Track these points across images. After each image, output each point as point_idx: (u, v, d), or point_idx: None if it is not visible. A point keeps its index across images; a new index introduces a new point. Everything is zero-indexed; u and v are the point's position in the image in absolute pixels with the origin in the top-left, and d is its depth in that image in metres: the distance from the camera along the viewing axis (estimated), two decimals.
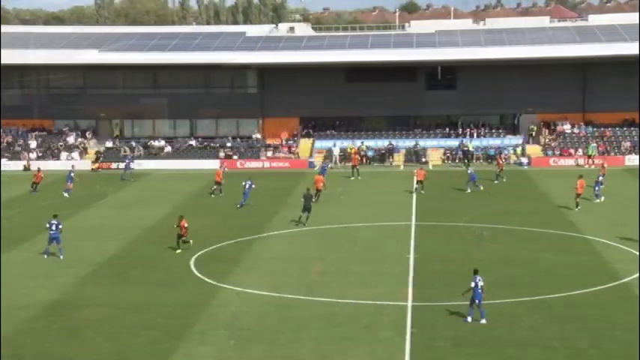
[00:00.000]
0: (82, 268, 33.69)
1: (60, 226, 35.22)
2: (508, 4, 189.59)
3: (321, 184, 48.07)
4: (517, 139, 67.16)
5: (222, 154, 67.06)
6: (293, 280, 31.46)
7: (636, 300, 27.97)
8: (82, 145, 69.49)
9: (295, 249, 36.67)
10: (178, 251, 35.71)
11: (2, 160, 65.35)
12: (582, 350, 23.52)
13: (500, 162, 56.42)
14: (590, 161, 61.98)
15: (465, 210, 45.00)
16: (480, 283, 26.04)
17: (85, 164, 65.34)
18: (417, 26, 75.46)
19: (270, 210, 46.09)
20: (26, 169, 64.13)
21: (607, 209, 44.44)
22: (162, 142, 69.08)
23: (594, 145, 63.73)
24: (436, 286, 30.22)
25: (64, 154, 67.64)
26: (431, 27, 73.89)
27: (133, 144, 68.62)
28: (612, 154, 63.98)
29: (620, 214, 42.78)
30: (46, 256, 35.15)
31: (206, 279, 31.84)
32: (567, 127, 67.45)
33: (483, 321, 25.72)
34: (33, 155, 67.26)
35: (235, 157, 66.90)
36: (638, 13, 71.33)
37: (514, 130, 68.72)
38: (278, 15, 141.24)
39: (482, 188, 50.61)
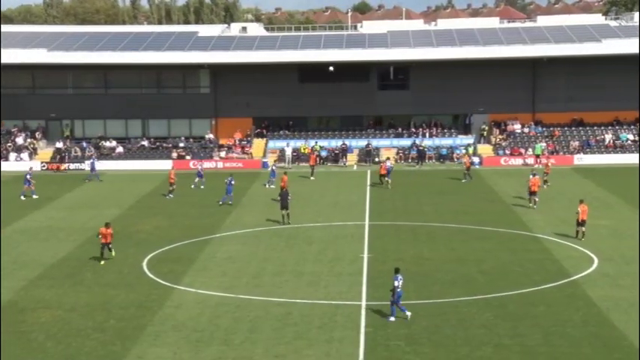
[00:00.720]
0: (32, 270, 33.16)
1: None
2: (459, 5, 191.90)
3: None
4: (469, 139, 67.90)
5: (174, 155, 66.58)
6: (247, 281, 31.36)
7: (585, 297, 28.46)
8: (32, 145, 68.37)
9: (249, 249, 36.55)
10: (102, 262, 33.96)
11: None
12: (533, 347, 23.85)
13: (467, 160, 57.10)
14: (539, 160, 62.91)
15: (418, 209, 45.33)
16: (401, 282, 26.39)
17: (35, 165, 64.28)
18: (369, 26, 75.83)
19: (224, 210, 45.90)
20: None
21: (557, 208, 45.14)
22: (114, 143, 68.32)
23: (541, 144, 64.69)
24: (390, 285, 30.31)
25: (12, 155, 66.49)
26: (383, 27, 74.32)
27: (84, 144, 67.75)
28: (561, 153, 65.02)
29: (569, 213, 43.44)
30: None
31: (159, 280, 31.57)
32: (517, 127, 68.39)
33: (408, 313, 26.13)
34: None
35: (188, 157, 66.47)
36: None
37: (466, 130, 69.46)
38: (230, 15, 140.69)
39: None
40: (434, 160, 65.77)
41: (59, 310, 27.94)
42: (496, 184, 53.98)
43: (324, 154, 65.75)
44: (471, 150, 65.76)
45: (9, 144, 67.79)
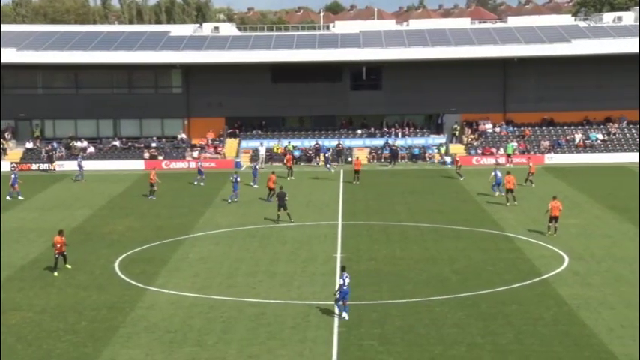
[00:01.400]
0: (2, 271, 32.77)
1: None
2: (430, 6, 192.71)
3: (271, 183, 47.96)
4: (441, 139, 68.25)
5: (146, 155, 66.25)
6: (220, 281, 31.28)
7: (555, 296, 28.73)
8: (1, 146, 67.62)
9: (223, 250, 36.46)
10: (56, 273, 32.27)
11: None
12: (505, 346, 24.03)
13: (457, 160, 57.63)
14: (510, 160, 63.38)
15: (390, 209, 45.49)
16: (347, 280, 26.47)
17: (5, 165, 63.75)
18: (342, 26, 75.95)
19: (196, 211, 45.74)
20: None
21: (528, 207, 45.50)
22: (85, 143, 67.80)
23: (513, 144, 65.19)
24: (363, 284, 30.44)
25: None
26: (355, 27, 74.48)
27: (55, 145, 67.17)
28: (532, 153, 65.56)
29: (541, 212, 43.83)
30: None
31: (131, 281, 31.39)
32: (489, 127, 68.86)
33: (345, 315, 26.23)
34: None
35: (160, 157, 66.15)
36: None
37: (438, 130, 69.80)
38: (202, 14, 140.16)
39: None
40: (406, 160, 66.05)
41: (30, 312, 27.67)
42: (468, 183, 54.29)
43: (297, 154, 65.74)
44: (440, 150, 66.15)
45: None
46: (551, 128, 68.78)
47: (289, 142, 66.73)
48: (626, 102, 67.85)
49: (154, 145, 67.83)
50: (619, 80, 67.55)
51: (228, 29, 75.77)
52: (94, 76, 69.63)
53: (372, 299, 28.47)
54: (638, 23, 71.34)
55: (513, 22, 75.51)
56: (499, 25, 78.67)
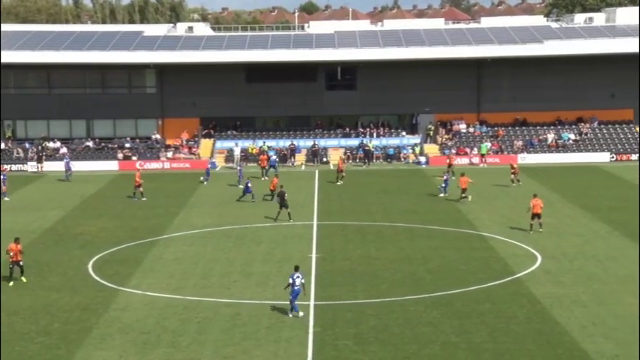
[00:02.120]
0: None
1: None
2: (404, 6, 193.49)
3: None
4: (415, 139, 68.49)
5: (120, 156, 65.86)
6: (195, 282, 31.18)
7: (528, 294, 28.96)
8: None
9: (197, 250, 36.34)
10: (11, 283, 30.77)
11: None
12: (479, 344, 24.19)
13: (452, 157, 58.23)
14: (484, 160, 63.74)
15: (365, 209, 45.59)
16: (298, 280, 26.55)
17: None
18: (317, 27, 75.97)
19: (171, 211, 45.55)
20: None
21: (501, 206, 45.81)
22: (58, 144, 67.24)
23: (487, 144, 65.59)
24: (338, 284, 30.51)
25: None
26: (330, 27, 74.53)
27: (27, 145, 66.56)
28: (505, 152, 65.99)
29: (514, 211, 44.20)
30: None
31: (105, 282, 31.21)
32: (463, 127, 69.22)
33: (300, 313, 26.46)
34: None
35: (134, 158, 65.79)
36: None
37: (412, 130, 70.05)
38: (176, 14, 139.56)
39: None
40: (381, 160, 66.21)
41: (2, 313, 27.39)
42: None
43: (272, 154, 65.62)
44: (414, 150, 66.40)
45: None
46: (524, 128, 69.29)
47: (264, 143, 66.66)
48: (597, 102, 68.56)
49: (127, 145, 67.43)
50: (590, 81, 68.21)
51: (202, 29, 75.51)
52: (67, 76, 69.10)
53: (346, 299, 28.52)
54: (606, 24, 72.10)
55: (487, 22, 75.95)
56: (472, 25, 79.12)
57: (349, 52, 68.15)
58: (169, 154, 66.54)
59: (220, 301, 28.69)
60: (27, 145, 66.51)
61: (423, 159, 64.87)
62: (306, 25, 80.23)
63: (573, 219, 41.48)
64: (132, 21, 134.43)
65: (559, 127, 69.02)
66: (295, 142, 67.05)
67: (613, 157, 64.80)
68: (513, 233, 38.53)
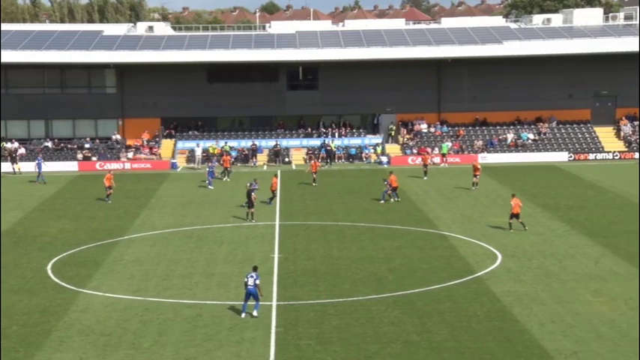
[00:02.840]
0: None
1: None
2: (365, 7, 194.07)
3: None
4: (377, 139, 68.78)
5: (80, 156, 65.17)
6: (156, 283, 30.97)
7: (489, 293, 29.24)
8: None
9: (158, 251, 36.09)
10: None
11: None
12: (440, 343, 24.37)
13: (426, 157, 58.20)
14: (445, 159, 64.21)
15: (327, 209, 45.67)
16: (251, 280, 26.43)
17: None
18: (278, 27, 75.93)
19: (132, 212, 45.19)
20: None
21: (462, 205, 46.19)
22: (16, 144, 66.30)
23: (447, 144, 66.09)
24: (300, 284, 30.53)
25: None
26: (291, 28, 74.54)
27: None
28: (466, 152, 66.56)
29: (474, 210, 44.62)
30: None
31: (64, 284, 30.86)
32: (424, 127, 69.66)
33: (255, 312, 26.49)
34: None
35: (94, 158, 65.15)
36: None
37: (374, 130, 70.32)
38: (136, 14, 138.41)
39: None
40: (343, 160, 66.38)
41: None
42: (404, 183, 54.74)
43: (233, 154, 65.45)
44: (376, 150, 66.68)
45: None
46: (484, 128, 69.95)
47: (226, 143, 66.44)
48: (555, 102, 69.50)
49: (87, 145, 66.76)
50: (549, 81, 69.11)
51: (162, 29, 75.03)
52: (25, 75, 68.17)
53: (309, 299, 28.55)
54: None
55: (447, 23, 76.53)
56: (433, 26, 79.70)
57: (311, 52, 68.22)
58: (130, 155, 66.01)
59: (182, 302, 28.54)
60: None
61: (384, 159, 65.18)
62: (267, 25, 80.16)
63: (532, 218, 41.96)
64: (91, 20, 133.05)
65: (518, 126, 69.81)
66: (257, 142, 66.93)
67: (571, 157, 65.71)
68: (474, 232, 38.88)
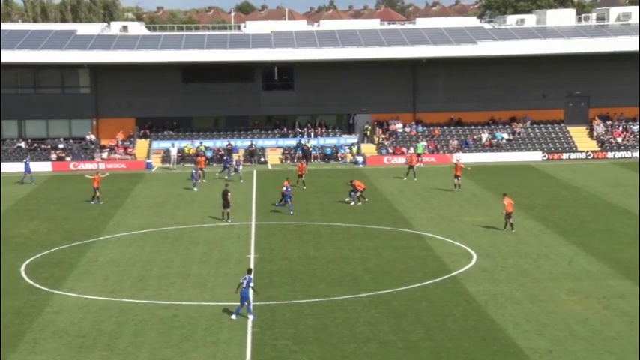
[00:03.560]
0: None
1: None
2: (341, 7, 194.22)
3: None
4: (353, 139, 68.89)
5: (54, 157, 64.65)
6: (131, 284, 30.82)
7: (464, 292, 29.41)
8: None
9: (134, 252, 35.91)
10: None
11: None
12: (416, 342, 24.47)
13: (412, 158, 57.90)
14: (420, 159, 64.40)
15: (303, 209, 45.65)
16: (244, 282, 26.53)
17: None
18: (253, 27, 75.78)
19: (106, 213, 44.90)
20: None
21: (438, 205, 46.37)
22: None
23: (423, 143, 66.35)
24: (276, 284, 30.52)
25: None
26: (266, 28, 74.42)
27: None
28: (441, 152, 66.86)
29: (450, 210, 44.84)
30: None
31: (38, 286, 30.62)
32: (399, 127, 69.88)
33: (250, 316, 26.38)
34: None
35: (68, 158, 64.67)
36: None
37: (350, 130, 70.43)
38: (110, 13, 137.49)
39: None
40: (319, 160, 66.41)
41: None
42: (379, 182, 54.96)
43: (209, 154, 65.27)
44: (352, 150, 66.78)
45: None
46: (459, 128, 70.29)
47: (201, 143, 66.22)
48: (529, 102, 70.01)
49: (61, 146, 66.24)
50: (522, 81, 69.57)
51: (137, 28, 74.60)
52: None
53: (285, 299, 28.55)
54: (538, 26, 73.70)
55: (421, 23, 76.77)
56: (408, 26, 79.93)
57: (286, 52, 68.17)
58: (104, 155, 65.59)
59: (157, 303, 28.43)
60: None
61: (360, 159, 65.31)
62: (242, 25, 79.97)
63: None
64: (64, 20, 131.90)
65: (493, 126, 70.23)
66: (232, 142, 66.77)
67: (545, 157, 66.23)
68: (449, 232, 39.07)
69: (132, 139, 67.84)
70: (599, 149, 67.43)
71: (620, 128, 69.49)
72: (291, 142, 68.03)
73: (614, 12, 73.99)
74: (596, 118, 70.44)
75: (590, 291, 29.27)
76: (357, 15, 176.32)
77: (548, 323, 25.92)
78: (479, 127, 70.12)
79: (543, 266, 32.80)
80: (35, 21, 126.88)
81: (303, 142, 67.07)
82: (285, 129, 69.69)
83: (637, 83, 68.19)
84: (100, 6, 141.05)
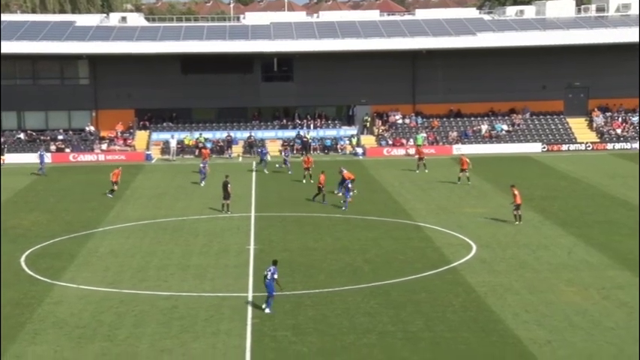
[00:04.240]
0: None
1: None
2: None
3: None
4: (352, 130, 68.86)
5: (53, 148, 64.62)
6: (131, 275, 30.85)
7: (464, 283, 29.45)
8: None
9: (133, 243, 35.93)
10: None
11: None
12: (416, 333, 24.51)
13: (422, 151, 57.42)
14: (420, 150, 64.31)
15: (303, 200, 45.66)
16: (269, 274, 26.19)
17: None
18: (252, 18, 75.61)
19: (106, 204, 44.91)
20: None
21: (437, 196, 46.39)
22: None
23: (422, 135, 66.32)
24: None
25: None
26: (266, 19, 74.28)
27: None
28: (441, 143, 66.83)
29: (449, 201, 44.86)
30: None
31: (38, 276, 30.65)
32: (399, 118, 69.84)
33: (267, 310, 26.08)
34: None
35: (68, 150, 64.64)
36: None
37: (349, 121, 70.38)
38: (108, 4, 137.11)
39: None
40: (318, 151, 66.38)
41: None
42: (379, 174, 54.97)
43: (208, 145, 65.25)
44: (352, 141, 66.73)
45: None
46: (458, 119, 70.25)
47: (200, 134, 66.16)
48: (529, 94, 69.95)
49: (60, 137, 66.20)
50: (522, 72, 69.49)
51: (136, 19, 74.44)
52: None
53: (285, 290, 28.53)
54: (535, 17, 73.59)
55: (421, 14, 76.60)
56: (407, 17, 79.78)
57: (285, 43, 68.04)
58: (104, 146, 65.57)
59: (157, 294, 28.46)
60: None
61: (359, 150, 65.30)
62: (241, 16, 79.79)
63: (506, 208, 42.14)
64: (63, 11, 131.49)
65: (492, 118, 70.19)
66: (232, 134, 66.74)
67: (544, 148, 66.23)
68: (449, 223, 39.09)
69: (131, 131, 67.78)
70: (598, 140, 67.43)
71: (620, 119, 69.48)
72: (291, 133, 68.00)
73: (614, 3, 73.79)
74: (596, 109, 70.40)
75: (590, 282, 29.31)
76: (356, 6, 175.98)
77: (547, 314, 25.96)
78: (478, 119, 70.08)
79: (542, 257, 32.83)
80: (34, 12, 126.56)
81: (302, 133, 67.03)
82: (284, 120, 69.64)
83: (636, 74, 68.13)
84: None
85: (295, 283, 29.57)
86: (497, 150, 65.80)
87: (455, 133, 68.01)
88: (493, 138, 67.79)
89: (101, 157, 63.67)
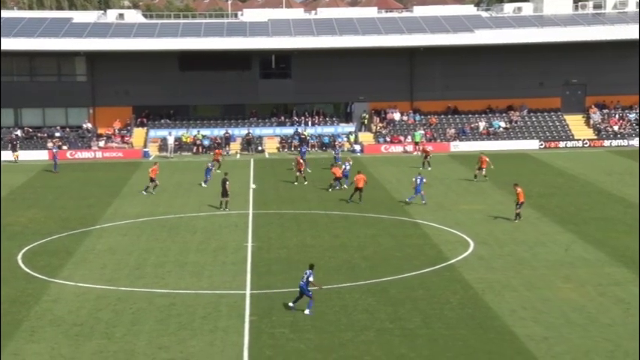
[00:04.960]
0: None
1: None
2: None
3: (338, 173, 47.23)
4: (350, 127, 68.86)
5: (50, 145, 64.54)
6: (129, 272, 30.83)
7: (461, 280, 29.47)
8: None
9: (131, 240, 35.92)
10: None
11: None
12: (413, 330, 24.52)
13: (427, 149, 57.05)
14: (418, 147, 64.37)
15: (301, 197, 45.67)
16: (304, 277, 25.95)
17: None
18: (250, 15, 75.56)
19: (103, 201, 44.88)
20: None
21: (435, 194, 46.36)
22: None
23: (420, 132, 66.32)
24: (274, 273, 30.55)
25: None
26: (264, 16, 74.24)
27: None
28: (438, 140, 66.84)
29: (447, 199, 44.87)
30: None
31: (35, 274, 30.62)
32: (397, 115, 69.82)
33: (306, 312, 25.86)
34: None
35: (65, 147, 64.58)
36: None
37: (347, 118, 70.38)
38: (105, 1, 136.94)
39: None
40: (316, 149, 66.37)
41: None
42: (377, 171, 54.97)
43: (206, 143, 65.23)
44: (349, 138, 66.74)
45: None
46: (456, 116, 70.27)
47: (198, 131, 66.14)
48: (526, 91, 69.98)
49: (57, 134, 66.13)
50: (520, 69, 69.56)
51: (133, 16, 74.40)
52: None
53: (283, 287, 28.57)
54: (538, 14, 73.59)
55: (419, 11, 76.62)
56: (405, 14, 79.73)
57: (283, 40, 68.01)
58: (101, 144, 65.51)
59: (155, 291, 28.45)
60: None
61: (357, 147, 65.30)
62: (239, 13, 79.72)
63: (504, 205, 42.26)
64: (60, 8, 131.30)
65: (490, 115, 70.21)
66: (230, 131, 66.72)
67: (542, 145, 66.28)
68: (447, 220, 39.11)
69: (129, 128, 67.73)
70: (595, 137, 67.49)
71: (617, 116, 69.55)
72: (289, 130, 67.97)
73: (611, 0, 73.85)
74: (593, 106, 70.46)
75: (587, 278, 29.34)
76: (354, 3, 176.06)
77: (544, 311, 25.98)
78: (476, 116, 70.09)
79: (540, 254, 32.86)
80: (31, 8, 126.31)
81: (300, 130, 67.01)
82: (282, 117, 69.60)
83: (633, 71, 68.17)
84: None
85: (293, 280, 29.53)
86: (494, 147, 65.75)
87: (452, 130, 68.03)
88: (490, 135, 67.82)
89: (98, 155, 63.64)
